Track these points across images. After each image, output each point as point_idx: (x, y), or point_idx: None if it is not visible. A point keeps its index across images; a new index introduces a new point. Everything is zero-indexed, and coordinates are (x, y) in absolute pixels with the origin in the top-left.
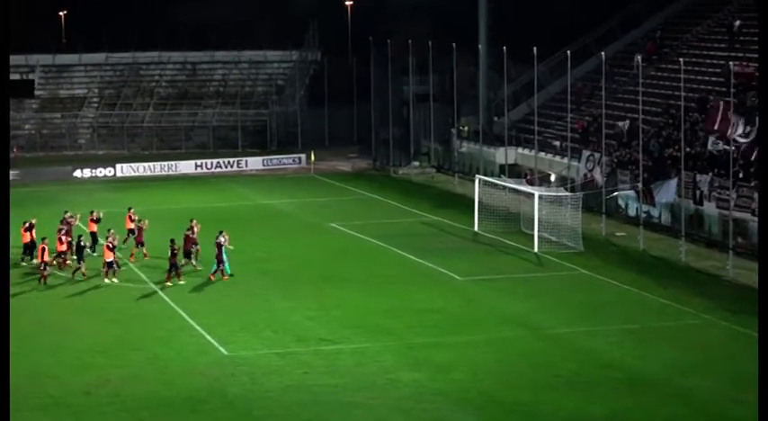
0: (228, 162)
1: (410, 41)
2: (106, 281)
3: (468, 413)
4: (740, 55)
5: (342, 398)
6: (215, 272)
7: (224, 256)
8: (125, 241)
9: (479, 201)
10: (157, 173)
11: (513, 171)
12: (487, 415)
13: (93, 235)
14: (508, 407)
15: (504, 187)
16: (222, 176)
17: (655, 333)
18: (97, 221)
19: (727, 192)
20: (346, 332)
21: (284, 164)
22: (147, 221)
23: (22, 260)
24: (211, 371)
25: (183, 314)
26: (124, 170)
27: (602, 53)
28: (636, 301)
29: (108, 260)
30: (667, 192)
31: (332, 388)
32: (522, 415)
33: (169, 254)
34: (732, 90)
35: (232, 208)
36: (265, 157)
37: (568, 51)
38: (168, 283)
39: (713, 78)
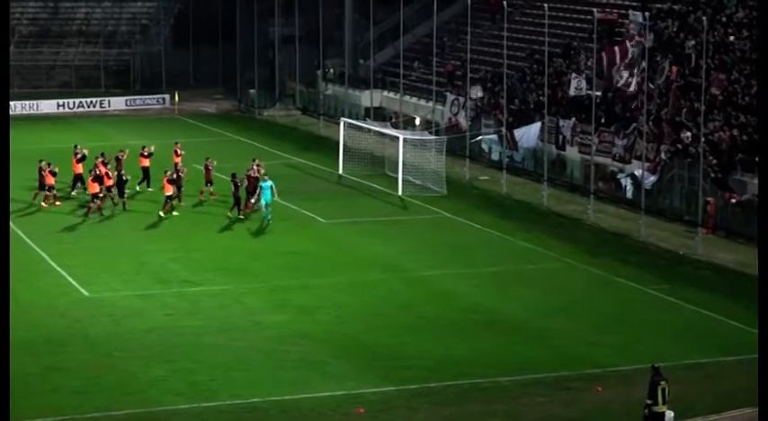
0: (91, 102)
1: None
2: (161, 214)
3: (332, 355)
4: (603, 1)
5: (204, 339)
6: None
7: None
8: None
9: (344, 144)
10: (18, 112)
11: (379, 114)
12: (351, 356)
13: (146, 170)
14: (371, 348)
15: (369, 130)
16: (85, 116)
17: (517, 276)
18: (149, 156)
19: (590, 137)
20: (209, 274)
21: (148, 104)
22: (215, 161)
23: (74, 191)
24: (72, 312)
25: (45, 255)
26: None
27: None
28: (498, 245)
29: (168, 194)
30: (530, 136)
31: (194, 329)
32: (385, 356)
33: (233, 188)
34: (595, 36)
35: (95, 148)
36: (128, 98)
37: None
38: (241, 216)
39: (577, 24)
